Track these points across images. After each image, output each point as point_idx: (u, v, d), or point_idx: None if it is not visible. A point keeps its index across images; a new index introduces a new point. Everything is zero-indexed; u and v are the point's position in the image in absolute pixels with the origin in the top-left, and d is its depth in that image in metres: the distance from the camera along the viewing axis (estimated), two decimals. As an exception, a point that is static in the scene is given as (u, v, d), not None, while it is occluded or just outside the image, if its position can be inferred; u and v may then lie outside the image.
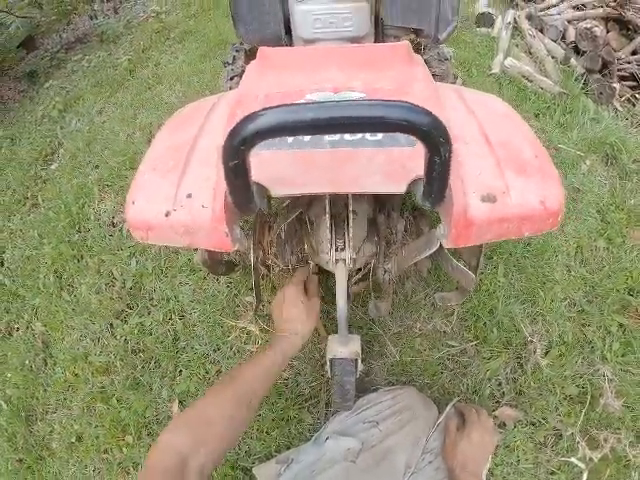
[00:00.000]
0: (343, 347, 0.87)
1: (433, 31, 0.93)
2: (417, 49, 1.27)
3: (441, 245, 0.74)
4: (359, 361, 0.90)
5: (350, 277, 1.17)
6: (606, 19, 2.22)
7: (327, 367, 0.96)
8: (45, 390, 1.29)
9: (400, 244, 0.89)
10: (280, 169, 0.61)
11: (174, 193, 0.62)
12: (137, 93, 2.22)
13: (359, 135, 0.62)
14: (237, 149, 0.44)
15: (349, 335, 0.88)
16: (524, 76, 1.92)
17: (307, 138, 0.63)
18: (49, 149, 2.16)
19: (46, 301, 1.47)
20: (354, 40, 0.97)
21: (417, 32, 0.98)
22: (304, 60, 0.81)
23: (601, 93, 1.90)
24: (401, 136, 0.62)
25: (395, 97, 0.44)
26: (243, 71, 1.19)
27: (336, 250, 0.80)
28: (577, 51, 2.11)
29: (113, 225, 1.62)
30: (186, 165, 0.66)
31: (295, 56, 0.85)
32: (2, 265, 1.71)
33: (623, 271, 1.30)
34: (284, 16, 1.00)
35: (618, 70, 2.05)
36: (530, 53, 2.10)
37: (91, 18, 3.01)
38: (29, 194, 1.96)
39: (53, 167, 2.05)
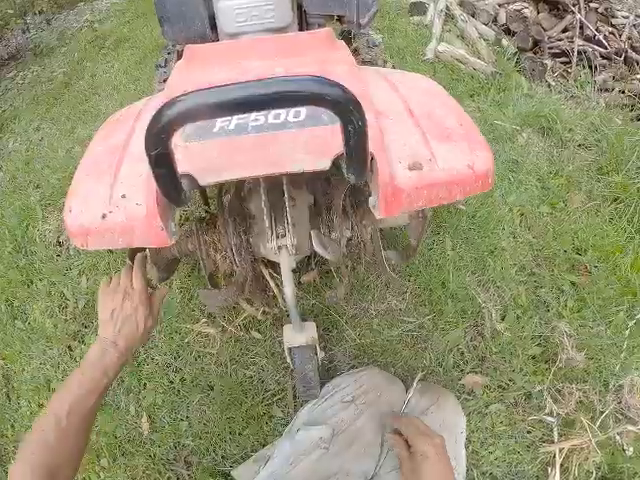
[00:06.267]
0: (299, 335, 0.87)
1: (355, 17, 0.95)
2: (348, 38, 1.30)
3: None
4: (317, 347, 0.90)
5: (302, 266, 1.19)
6: (536, 1, 2.33)
7: (287, 357, 0.96)
8: (12, 426, 1.22)
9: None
10: (207, 158, 0.60)
11: (109, 195, 0.62)
12: (74, 106, 2.14)
13: (282, 118, 0.63)
14: (158, 137, 0.43)
15: (303, 322, 0.88)
16: (457, 59, 1.98)
17: (232, 126, 0.63)
18: (-13, 175, 2.04)
19: (0, 332, 1.40)
20: (278, 31, 0.99)
21: (340, 19, 1.01)
22: (228, 54, 0.82)
23: (533, 70, 1.99)
24: (324, 115, 0.62)
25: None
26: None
27: (277, 237, 0.80)
28: (508, 32, 2.21)
29: (59, 244, 1.56)
30: (118, 167, 0.65)
31: (220, 51, 0.86)
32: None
33: (568, 232, 1.35)
34: (209, 13, 1.00)
35: (551, 48, 2.16)
36: (463, 37, 2.17)
37: (24, 32, 2.86)
38: (-31, 225, 1.84)
39: (-7, 193, 1.94)
